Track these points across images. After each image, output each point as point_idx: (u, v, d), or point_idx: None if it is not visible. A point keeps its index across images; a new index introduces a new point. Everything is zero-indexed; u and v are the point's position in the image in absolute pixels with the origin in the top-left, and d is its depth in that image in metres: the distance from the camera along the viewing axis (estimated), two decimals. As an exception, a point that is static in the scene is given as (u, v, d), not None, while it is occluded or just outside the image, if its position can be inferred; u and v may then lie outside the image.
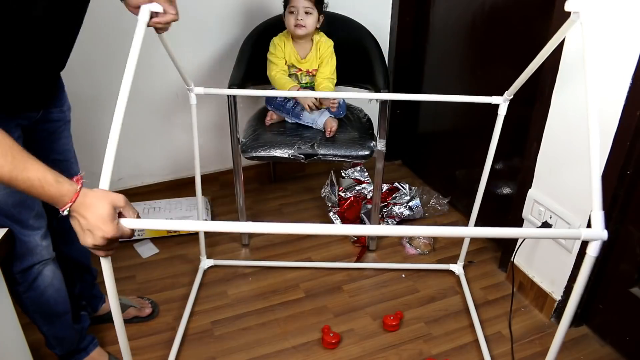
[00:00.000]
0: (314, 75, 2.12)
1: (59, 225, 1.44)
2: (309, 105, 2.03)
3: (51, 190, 0.92)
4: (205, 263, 2.09)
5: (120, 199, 0.96)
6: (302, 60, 2.10)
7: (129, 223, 0.96)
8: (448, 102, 2.48)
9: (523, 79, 1.49)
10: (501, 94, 1.66)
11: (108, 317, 1.77)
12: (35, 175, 0.92)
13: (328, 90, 2.08)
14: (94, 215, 0.92)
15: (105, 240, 0.94)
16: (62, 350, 1.57)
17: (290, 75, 2.10)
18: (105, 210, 0.93)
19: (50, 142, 1.42)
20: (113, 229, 0.94)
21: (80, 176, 0.96)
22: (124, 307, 1.80)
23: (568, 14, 1.55)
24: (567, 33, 1.58)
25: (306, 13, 1.99)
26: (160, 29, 1.30)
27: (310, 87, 2.13)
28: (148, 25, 1.21)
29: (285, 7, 2.04)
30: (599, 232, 0.97)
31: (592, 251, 1.00)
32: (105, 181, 0.99)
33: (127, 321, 1.82)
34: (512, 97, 1.64)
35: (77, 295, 1.70)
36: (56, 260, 1.43)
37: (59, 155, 1.45)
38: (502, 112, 1.70)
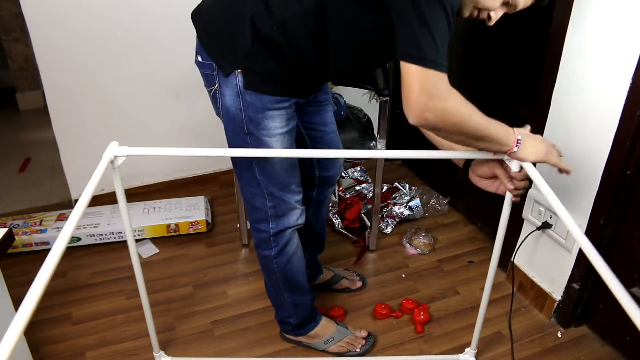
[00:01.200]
0: None
1: (318, 196, 1.73)
2: None
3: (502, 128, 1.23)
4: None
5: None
6: None
7: None
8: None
9: None
10: (501, 94, 1.66)
11: (323, 286, 1.98)
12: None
13: None
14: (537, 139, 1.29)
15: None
16: (298, 319, 1.70)
17: None
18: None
19: (318, 115, 1.60)
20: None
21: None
22: (337, 278, 2.00)
23: (568, 13, 1.56)
24: (568, 32, 1.58)
25: None
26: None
27: None
28: None
29: None
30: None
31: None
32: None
33: (339, 290, 1.99)
34: None
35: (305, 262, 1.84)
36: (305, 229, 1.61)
37: (326, 127, 1.64)
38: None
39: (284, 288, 1.62)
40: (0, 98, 3.71)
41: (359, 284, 2.02)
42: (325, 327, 1.74)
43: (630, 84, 1.41)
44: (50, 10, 2.03)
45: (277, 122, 1.35)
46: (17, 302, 1.27)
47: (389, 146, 2.08)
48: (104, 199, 2.40)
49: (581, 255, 1.71)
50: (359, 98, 2.36)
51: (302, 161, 1.57)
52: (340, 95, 2.12)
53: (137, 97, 2.30)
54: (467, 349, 1.70)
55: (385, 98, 1.96)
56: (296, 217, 1.51)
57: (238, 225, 2.26)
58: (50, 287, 1.93)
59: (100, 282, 2.03)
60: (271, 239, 1.51)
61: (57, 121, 2.24)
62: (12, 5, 3.21)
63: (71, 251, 2.15)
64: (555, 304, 1.84)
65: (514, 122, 1.57)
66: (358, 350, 1.73)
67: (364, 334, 1.77)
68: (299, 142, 1.57)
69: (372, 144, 2.01)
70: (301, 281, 1.63)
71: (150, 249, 2.20)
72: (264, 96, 1.29)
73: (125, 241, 2.20)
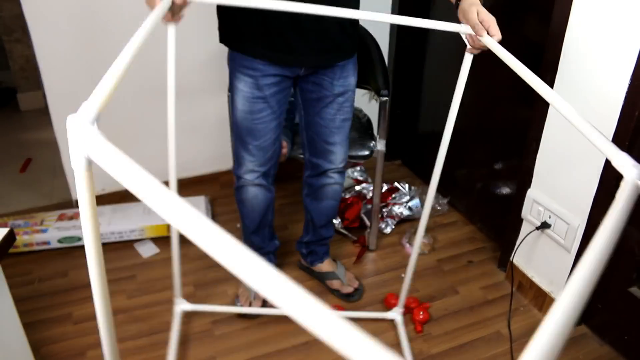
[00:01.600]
0: None
1: (308, 180, 1.87)
2: None
3: None
4: (181, 307, 1.83)
5: None
6: None
7: None
8: (447, 98, 2.49)
9: None
10: (501, 96, 1.66)
11: (318, 276, 2.05)
12: None
13: None
14: None
15: None
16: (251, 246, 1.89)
17: None
18: None
19: (318, 108, 1.70)
20: None
21: None
22: (332, 275, 2.02)
23: (568, 13, 1.56)
24: (567, 33, 1.59)
25: None
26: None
27: None
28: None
29: None
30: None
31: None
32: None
33: (328, 288, 2.02)
34: None
35: (304, 242, 2.03)
36: (269, 190, 1.79)
37: (321, 120, 1.73)
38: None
39: (242, 220, 1.87)
40: (1, 98, 3.71)
41: (348, 289, 1.98)
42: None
43: (629, 84, 1.41)
44: (51, 11, 2.04)
45: (241, 85, 1.57)
46: (18, 301, 1.28)
47: (388, 146, 2.08)
48: (104, 199, 2.41)
49: (580, 255, 1.71)
50: (359, 98, 2.36)
51: (300, 129, 1.79)
52: None
53: (138, 97, 2.31)
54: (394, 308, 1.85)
55: (385, 98, 1.96)
56: (249, 174, 1.71)
57: (238, 225, 2.26)
58: (51, 287, 1.93)
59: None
60: (234, 176, 1.75)
61: (57, 121, 2.24)
62: (13, 6, 3.21)
63: (72, 251, 2.16)
64: (555, 303, 1.84)
65: (514, 121, 1.58)
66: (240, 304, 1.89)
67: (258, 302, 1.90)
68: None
69: (372, 144, 2.01)
70: (248, 226, 1.86)
71: (150, 249, 2.21)
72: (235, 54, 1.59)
73: (125, 241, 2.21)
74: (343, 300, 1.97)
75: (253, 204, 1.80)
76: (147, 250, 2.20)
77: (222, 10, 1.56)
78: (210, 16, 2.27)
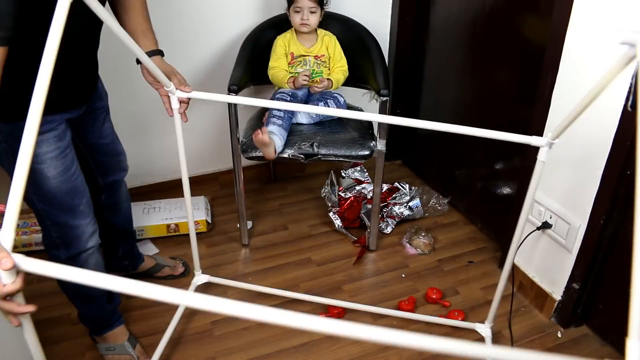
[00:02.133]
0: (322, 61, 2.16)
1: (107, 200, 1.71)
2: (302, 80, 2.07)
3: None
4: (199, 279, 1.96)
5: None
6: (308, 49, 2.16)
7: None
8: (447, 98, 2.48)
9: (569, 121, 1.25)
10: (501, 96, 1.65)
11: (145, 274, 2.02)
12: None
13: (337, 78, 2.14)
14: None
15: None
16: (92, 326, 1.73)
17: (298, 60, 2.15)
18: None
19: (93, 126, 1.56)
20: None
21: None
22: (159, 267, 2.04)
23: (568, 13, 1.56)
24: (568, 33, 1.58)
25: (311, 12, 2.08)
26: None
27: (319, 74, 2.16)
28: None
29: (289, 4, 2.11)
30: (547, 140, 1.12)
31: (542, 157, 1.13)
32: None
33: (162, 278, 2.04)
34: (556, 140, 1.34)
35: (121, 256, 1.92)
36: (99, 248, 1.53)
37: (104, 139, 1.61)
38: (542, 157, 1.39)
39: (79, 302, 1.63)
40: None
41: (181, 269, 2.07)
42: (115, 335, 1.70)
43: (630, 83, 1.41)
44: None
45: (44, 148, 1.27)
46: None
47: (388, 146, 2.08)
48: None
49: (581, 255, 1.71)
50: (359, 98, 2.36)
51: (83, 171, 1.46)
52: (341, 95, 2.12)
53: (138, 103, 2.30)
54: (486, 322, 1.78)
55: (385, 98, 1.96)
56: (87, 240, 1.45)
57: (238, 225, 2.26)
58: (50, 287, 1.92)
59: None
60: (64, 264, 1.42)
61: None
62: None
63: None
64: (555, 304, 1.84)
65: (514, 121, 1.58)
66: None
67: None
68: (78, 157, 1.46)
69: (372, 144, 2.01)
70: (97, 296, 1.60)
71: (150, 249, 2.20)
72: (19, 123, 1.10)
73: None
74: (177, 279, 2.04)
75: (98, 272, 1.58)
76: (147, 251, 2.19)
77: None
78: (210, 16, 2.28)
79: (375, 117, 1.50)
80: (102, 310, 1.67)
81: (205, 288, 1.97)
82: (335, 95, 2.10)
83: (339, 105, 2.07)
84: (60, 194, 1.36)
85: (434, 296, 1.95)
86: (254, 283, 2.02)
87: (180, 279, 2.05)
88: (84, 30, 1.32)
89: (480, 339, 1.78)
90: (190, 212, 1.77)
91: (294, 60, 2.14)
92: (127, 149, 1.75)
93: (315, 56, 2.15)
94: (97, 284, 0.75)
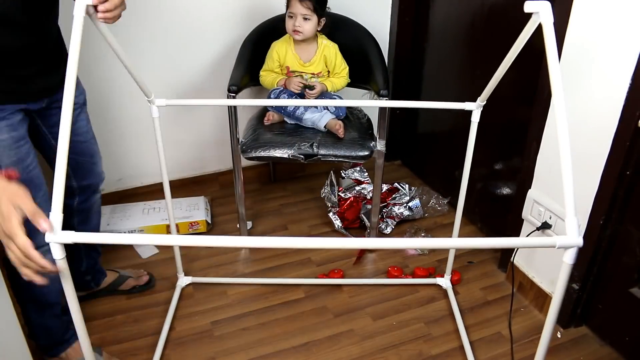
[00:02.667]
0: (319, 77, 2.13)
1: (80, 205, 1.67)
2: (294, 89, 2.04)
3: None
4: (183, 281, 1.99)
5: (24, 202, 0.92)
6: (306, 64, 2.10)
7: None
8: (446, 98, 2.48)
9: (493, 84, 1.46)
10: (501, 96, 1.66)
11: (109, 289, 1.95)
12: None
13: (333, 81, 2.12)
14: None
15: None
16: (46, 341, 1.61)
17: (294, 76, 2.11)
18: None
19: None
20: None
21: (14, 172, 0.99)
22: (123, 279, 1.97)
23: (568, 12, 1.56)
24: (568, 32, 1.58)
25: (304, 19, 2.01)
26: (108, 19, 1.17)
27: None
28: (99, 19, 1.14)
29: (287, 9, 2.06)
30: (574, 239, 0.96)
31: (568, 258, 0.99)
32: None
33: (127, 291, 1.97)
34: (485, 102, 1.59)
35: (83, 271, 1.84)
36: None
37: (78, 136, 1.55)
38: (475, 118, 1.64)
39: (33, 309, 1.52)
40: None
41: (145, 278, 2.00)
42: (76, 351, 1.64)
43: (630, 84, 1.41)
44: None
45: None
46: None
47: (388, 146, 2.08)
48: (103, 199, 2.40)
49: (581, 256, 1.71)
50: (358, 98, 2.37)
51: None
52: (340, 97, 2.12)
53: (138, 117, 2.30)
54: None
55: (384, 98, 1.96)
56: (44, 235, 1.40)
57: (238, 226, 2.26)
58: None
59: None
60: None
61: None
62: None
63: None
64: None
65: (514, 121, 1.58)
66: None
67: None
68: (48, 152, 1.49)
69: (371, 144, 2.01)
70: (53, 303, 1.54)
71: (149, 250, 2.20)
72: None
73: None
74: (143, 290, 1.98)
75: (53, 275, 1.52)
76: (146, 251, 2.19)
77: None
78: (209, 17, 2.28)
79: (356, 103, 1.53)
80: (58, 320, 1.58)
81: (197, 289, 1.97)
82: (334, 96, 2.10)
83: (335, 108, 2.06)
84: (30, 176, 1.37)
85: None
86: (242, 277, 2.02)
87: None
88: (31, 20, 1.27)
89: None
90: (171, 214, 1.82)
91: (289, 74, 2.12)
92: (126, 149, 1.74)
93: (312, 73, 2.12)
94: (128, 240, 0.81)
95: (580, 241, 0.95)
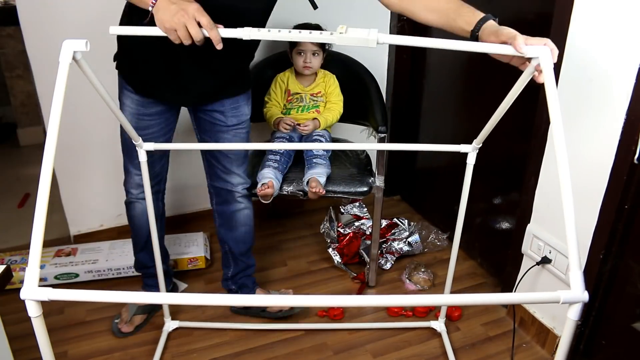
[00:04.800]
0: (317, 98, 2.16)
1: (216, 207, 1.92)
2: (283, 128, 2.07)
3: None
4: (170, 325, 1.96)
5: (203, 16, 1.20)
6: (305, 87, 2.17)
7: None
8: (444, 134, 2.51)
9: (490, 127, 1.46)
10: (499, 130, 1.67)
11: (255, 310, 2.02)
12: None
13: (325, 117, 2.12)
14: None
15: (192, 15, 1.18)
16: (139, 270, 2.00)
17: (295, 97, 2.16)
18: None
19: (211, 131, 1.75)
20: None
21: None
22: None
23: (563, 44, 1.58)
24: (563, 65, 1.61)
25: (313, 54, 2.08)
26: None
27: (315, 108, 2.16)
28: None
29: (291, 46, 2.11)
30: (578, 294, 0.89)
31: (573, 314, 0.91)
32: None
33: (273, 314, 1.99)
34: (480, 145, 1.59)
35: (231, 277, 2.00)
36: (157, 207, 1.82)
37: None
38: (470, 161, 1.64)
39: (133, 236, 1.91)
40: (1, 134, 3.73)
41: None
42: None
43: (625, 119, 1.43)
44: (53, 49, 2.06)
45: (127, 101, 1.63)
46: (13, 339, 1.26)
47: (387, 181, 2.09)
48: (102, 235, 2.40)
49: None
50: (357, 134, 2.39)
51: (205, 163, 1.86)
52: (324, 137, 2.11)
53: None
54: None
55: (383, 135, 1.97)
56: (135, 188, 1.78)
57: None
58: (47, 324, 1.90)
59: (97, 319, 2.00)
60: (124, 190, 1.82)
61: (57, 157, 2.23)
62: (16, 43, 3.26)
63: (69, 288, 2.13)
64: (557, 340, 1.82)
65: (511, 156, 1.59)
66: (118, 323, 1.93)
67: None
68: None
69: (370, 180, 2.02)
70: (137, 242, 1.90)
71: (179, 285, 2.19)
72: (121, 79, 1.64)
73: (123, 277, 2.19)
74: (288, 316, 1.99)
75: (141, 222, 1.83)
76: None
77: (123, 43, 1.60)
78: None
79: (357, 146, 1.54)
80: (147, 258, 1.92)
81: (183, 333, 1.95)
82: (317, 137, 2.11)
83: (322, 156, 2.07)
84: (128, 139, 1.61)
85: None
86: (251, 321, 2.00)
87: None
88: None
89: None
90: (158, 258, 1.82)
91: (290, 96, 2.16)
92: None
93: (311, 94, 2.16)
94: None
95: (585, 296, 0.89)
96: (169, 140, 1.74)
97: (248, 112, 1.76)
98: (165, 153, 1.79)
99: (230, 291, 2.02)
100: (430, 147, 1.65)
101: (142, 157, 1.62)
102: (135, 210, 1.82)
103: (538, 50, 1.08)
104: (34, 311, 0.89)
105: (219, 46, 1.20)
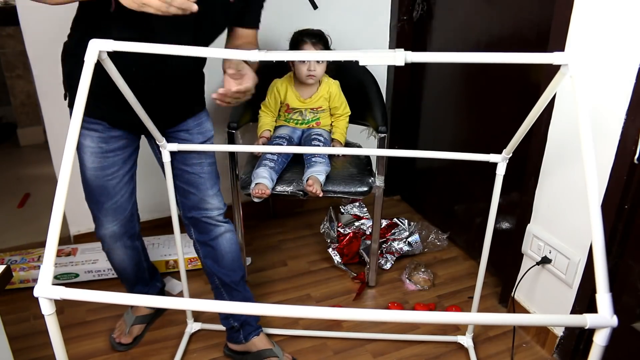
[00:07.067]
0: (318, 112, 2.14)
1: (198, 238, 1.74)
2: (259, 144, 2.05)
3: None
4: (192, 327, 1.95)
5: None
6: (306, 100, 2.11)
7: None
8: (444, 133, 2.51)
9: (519, 136, 1.42)
10: (497, 133, 1.67)
11: (254, 356, 1.80)
12: None
13: (342, 132, 2.13)
14: None
15: None
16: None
17: (294, 112, 2.13)
18: None
19: (179, 153, 1.64)
20: None
21: None
22: (270, 354, 1.78)
23: (562, 50, 1.59)
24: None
25: (317, 62, 2.02)
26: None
27: (314, 121, 2.15)
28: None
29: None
30: (607, 319, 0.81)
31: (601, 340, 0.83)
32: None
33: None
34: (511, 155, 1.54)
35: (231, 314, 1.76)
36: (134, 248, 1.76)
37: (185, 165, 1.66)
38: (500, 171, 1.58)
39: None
40: (1, 133, 3.74)
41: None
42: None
43: (624, 119, 1.43)
44: (53, 48, 2.06)
45: (86, 141, 1.50)
46: (12, 339, 1.26)
47: (387, 181, 2.09)
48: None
49: (582, 290, 1.70)
50: (357, 134, 2.39)
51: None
52: (322, 135, 2.11)
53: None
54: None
55: (383, 135, 1.97)
56: (106, 233, 1.65)
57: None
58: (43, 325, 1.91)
59: (97, 319, 2.01)
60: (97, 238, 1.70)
61: (57, 157, 2.25)
62: (16, 43, 3.27)
63: (69, 288, 2.13)
64: (557, 340, 1.82)
65: (512, 156, 1.59)
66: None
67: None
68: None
69: (370, 180, 2.02)
70: (127, 281, 1.85)
71: (178, 286, 2.20)
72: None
73: (123, 277, 2.19)
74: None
75: (125, 265, 1.78)
76: (176, 287, 2.19)
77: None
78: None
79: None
80: (145, 287, 1.91)
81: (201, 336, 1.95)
82: (316, 136, 2.10)
83: (325, 142, 2.07)
84: (92, 185, 1.56)
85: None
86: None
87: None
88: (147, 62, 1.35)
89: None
90: (180, 251, 1.79)
91: (289, 110, 2.14)
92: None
93: (311, 108, 2.13)
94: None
95: (614, 321, 0.81)
96: (133, 177, 1.65)
97: (211, 128, 1.69)
98: (133, 192, 1.69)
99: (231, 329, 1.79)
100: (457, 156, 1.58)
101: (166, 158, 1.58)
102: (116, 257, 1.74)
103: (567, 57, 1.03)
104: (47, 309, 0.89)
105: (194, 7, 1.15)
